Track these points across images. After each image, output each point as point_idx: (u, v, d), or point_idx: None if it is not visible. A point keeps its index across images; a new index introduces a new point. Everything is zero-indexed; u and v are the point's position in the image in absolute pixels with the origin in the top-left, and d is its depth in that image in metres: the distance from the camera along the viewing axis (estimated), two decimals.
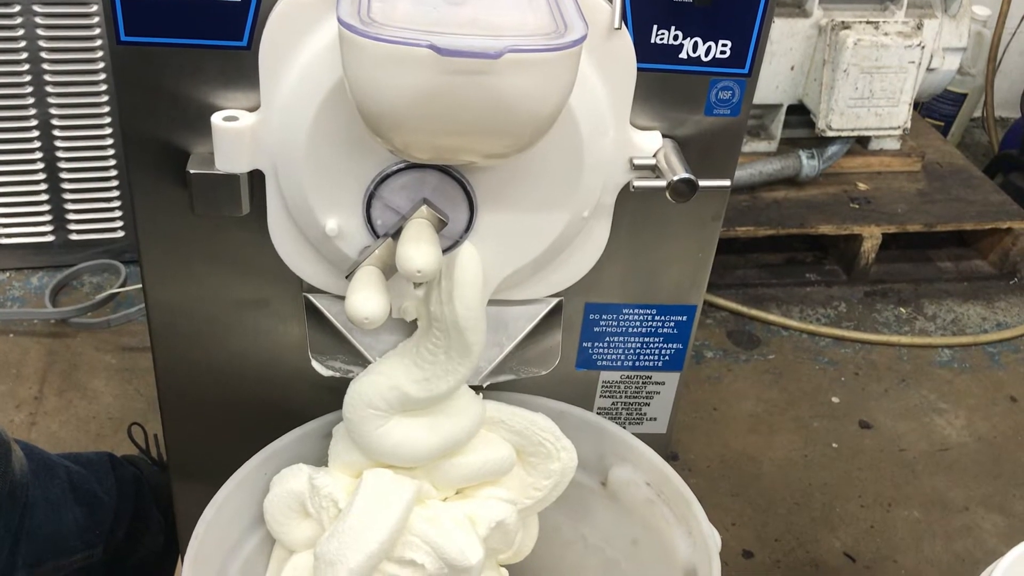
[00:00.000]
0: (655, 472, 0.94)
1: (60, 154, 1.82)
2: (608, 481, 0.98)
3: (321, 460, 0.89)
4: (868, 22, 1.96)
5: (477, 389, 0.89)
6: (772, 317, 2.00)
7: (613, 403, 1.04)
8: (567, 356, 0.98)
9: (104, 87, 1.76)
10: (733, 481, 1.63)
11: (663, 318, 0.98)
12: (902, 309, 2.09)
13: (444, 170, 0.77)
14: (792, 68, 2.03)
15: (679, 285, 0.95)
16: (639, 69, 0.78)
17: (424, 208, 0.77)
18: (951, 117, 2.68)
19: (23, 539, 1.04)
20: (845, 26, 1.95)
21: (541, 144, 0.70)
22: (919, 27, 1.98)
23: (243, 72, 0.76)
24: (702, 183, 0.79)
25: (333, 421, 0.89)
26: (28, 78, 1.73)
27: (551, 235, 0.82)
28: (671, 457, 1.60)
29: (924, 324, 2.05)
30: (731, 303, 2.02)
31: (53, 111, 1.77)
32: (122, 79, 0.77)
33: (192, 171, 0.78)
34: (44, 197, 1.86)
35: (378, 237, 0.79)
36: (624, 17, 0.75)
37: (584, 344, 0.98)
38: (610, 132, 0.79)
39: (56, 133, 1.79)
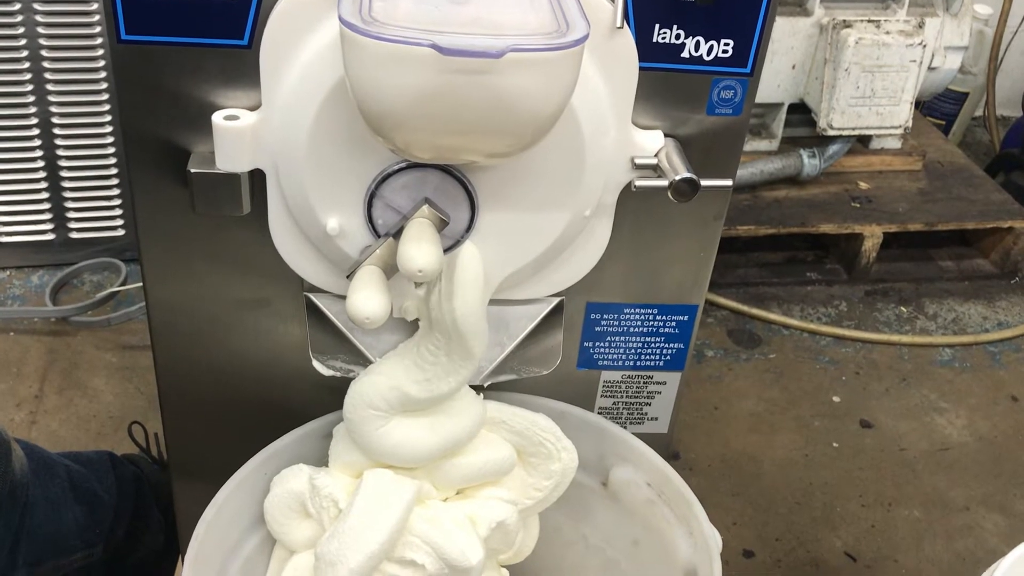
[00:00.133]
0: (656, 472, 0.94)
1: (61, 152, 1.81)
2: (609, 481, 0.97)
3: (321, 460, 0.89)
4: (869, 21, 1.96)
5: (478, 389, 0.89)
6: (773, 316, 2.00)
7: (614, 403, 1.03)
8: (568, 356, 0.98)
9: (105, 86, 1.76)
10: (734, 480, 1.63)
11: (664, 318, 0.97)
12: (903, 308, 2.09)
13: (445, 169, 0.76)
14: (793, 67, 2.03)
15: (680, 285, 0.95)
16: (641, 68, 0.78)
17: (425, 207, 0.77)
18: (952, 116, 2.68)
19: (23, 538, 1.04)
20: (846, 25, 1.95)
21: (543, 143, 0.70)
22: (920, 26, 1.98)
23: (244, 71, 0.76)
24: (704, 182, 0.78)
25: (333, 421, 0.89)
26: (29, 76, 1.73)
27: (552, 234, 0.82)
28: (672, 456, 1.60)
29: (925, 323, 2.05)
30: (732, 302, 2.02)
31: (54, 109, 1.77)
32: (123, 78, 0.77)
33: (193, 170, 0.78)
34: (45, 195, 1.86)
35: (379, 236, 0.79)
36: (626, 16, 0.75)
37: (585, 344, 0.98)
38: (612, 131, 0.79)
39: (57, 131, 1.79)
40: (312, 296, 0.88)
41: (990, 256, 2.23)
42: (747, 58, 0.81)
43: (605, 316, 0.97)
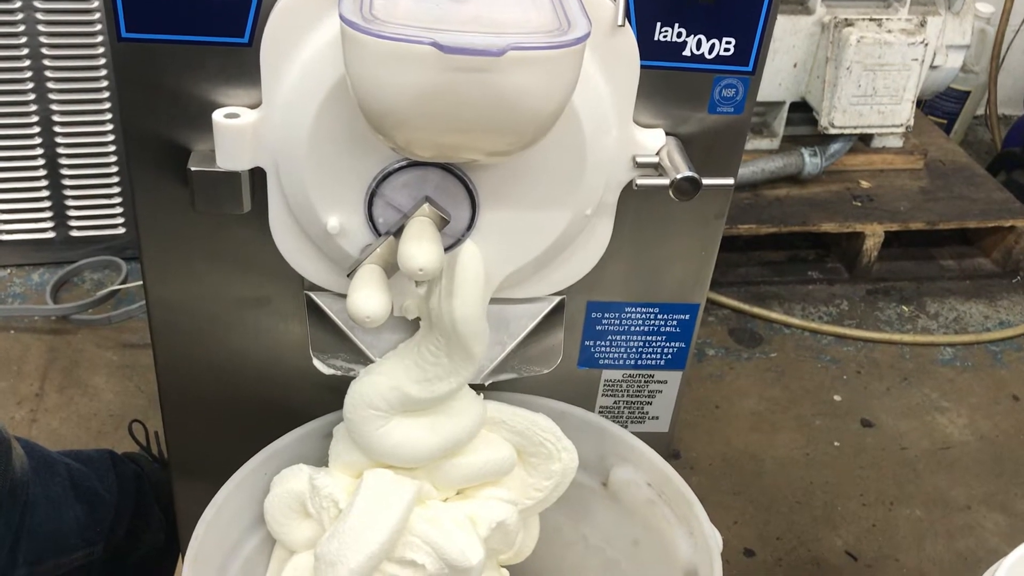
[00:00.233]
0: (656, 472, 0.94)
1: (61, 150, 1.81)
2: (609, 481, 0.97)
3: (321, 460, 0.89)
4: (871, 19, 1.96)
5: (479, 388, 0.89)
6: (774, 315, 2.00)
7: (615, 402, 1.03)
8: (569, 355, 0.98)
9: (105, 84, 1.76)
10: (735, 479, 1.63)
11: (666, 317, 0.97)
12: (904, 307, 2.09)
13: (446, 168, 0.76)
14: (795, 65, 2.02)
15: (682, 284, 0.95)
16: (642, 67, 0.78)
17: (426, 206, 0.77)
18: (954, 115, 2.67)
19: (24, 537, 1.04)
20: (848, 23, 1.94)
21: (544, 142, 0.70)
22: (922, 24, 1.98)
23: (244, 69, 0.76)
24: (705, 181, 0.78)
25: (334, 421, 0.89)
26: (29, 74, 1.73)
27: (553, 233, 0.82)
28: (673, 455, 1.60)
29: (926, 322, 2.05)
30: (733, 301, 2.02)
31: (54, 107, 1.76)
32: (123, 76, 0.77)
33: (193, 168, 0.78)
34: (45, 194, 1.86)
35: (380, 235, 0.78)
36: (627, 14, 0.75)
37: (586, 343, 0.98)
38: (613, 130, 0.79)
39: (57, 129, 1.79)
40: (312, 295, 0.88)
41: (991, 255, 2.23)
42: (749, 56, 0.80)
43: (606, 315, 0.96)
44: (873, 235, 2.07)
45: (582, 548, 1.02)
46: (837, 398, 1.83)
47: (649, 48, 0.78)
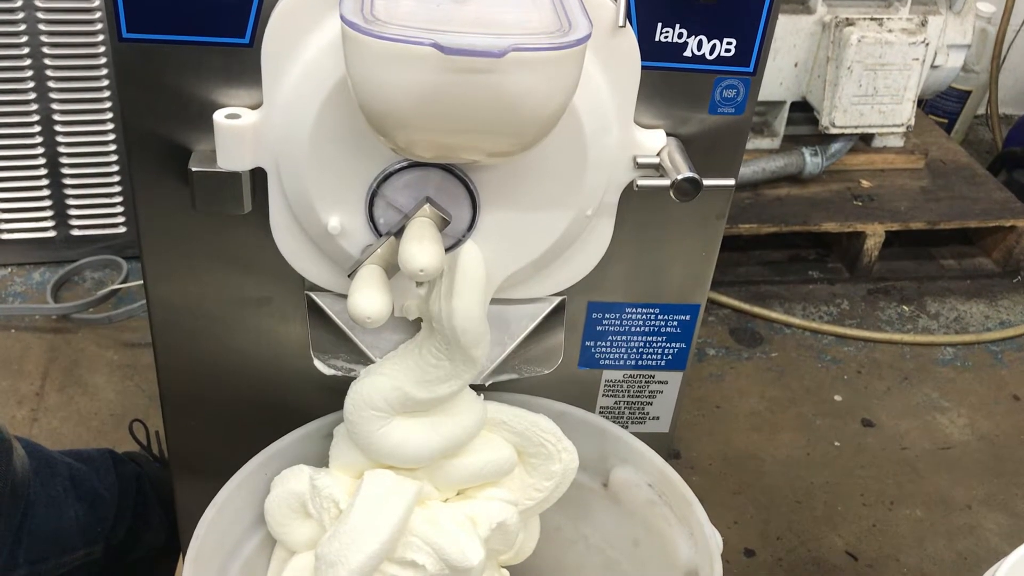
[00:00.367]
0: (656, 473, 0.94)
1: (62, 150, 1.81)
2: (609, 482, 0.97)
3: (322, 460, 0.89)
4: (872, 19, 1.95)
5: (479, 388, 0.89)
6: (775, 315, 2.00)
7: (616, 402, 1.03)
8: (570, 355, 0.98)
9: (106, 83, 1.76)
10: (735, 479, 1.63)
11: (666, 317, 0.97)
12: (905, 307, 2.09)
13: (447, 168, 0.76)
14: (796, 65, 2.02)
15: (683, 284, 0.95)
16: (643, 67, 0.78)
17: (427, 207, 0.77)
18: (955, 114, 2.67)
19: (24, 536, 1.04)
20: (849, 23, 1.94)
21: (544, 142, 0.70)
22: (923, 24, 1.98)
23: (245, 69, 0.76)
24: (706, 182, 0.78)
25: (334, 421, 0.89)
26: (30, 74, 1.73)
27: (554, 234, 0.82)
28: (673, 455, 1.60)
29: (927, 322, 2.05)
30: (734, 300, 2.02)
31: (55, 107, 1.76)
32: (124, 76, 0.77)
33: (194, 169, 0.78)
34: (46, 193, 1.86)
35: (380, 235, 0.78)
36: (628, 15, 0.75)
37: (587, 343, 0.98)
38: (614, 131, 0.79)
39: (58, 129, 1.79)
40: (313, 295, 0.88)
41: (992, 255, 2.23)
42: (750, 57, 0.80)
43: (607, 315, 0.96)
44: (874, 235, 2.07)
45: (582, 548, 1.02)
46: (838, 398, 1.82)
47: (650, 49, 0.78)
